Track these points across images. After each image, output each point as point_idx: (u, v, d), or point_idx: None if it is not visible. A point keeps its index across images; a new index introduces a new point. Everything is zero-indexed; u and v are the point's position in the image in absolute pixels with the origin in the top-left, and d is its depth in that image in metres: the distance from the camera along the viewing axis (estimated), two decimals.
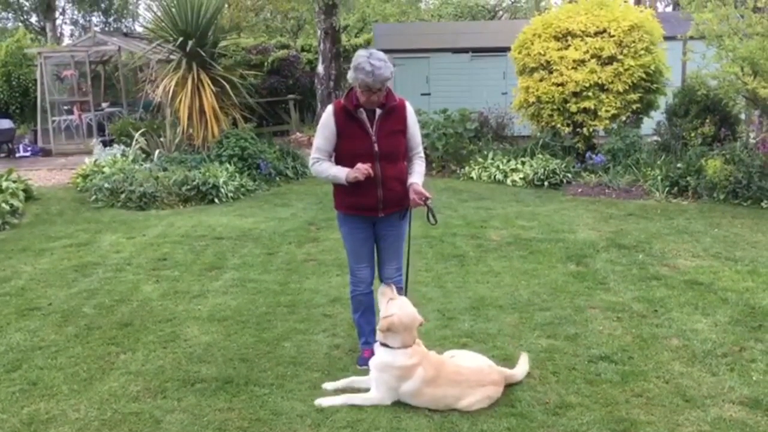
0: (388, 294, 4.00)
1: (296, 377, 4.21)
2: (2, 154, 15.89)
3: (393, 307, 3.90)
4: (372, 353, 4.06)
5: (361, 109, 4.10)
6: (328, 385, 4.07)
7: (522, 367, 4.11)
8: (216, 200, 10.14)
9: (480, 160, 11.91)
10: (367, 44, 20.26)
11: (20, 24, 33.44)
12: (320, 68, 18.59)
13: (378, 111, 4.11)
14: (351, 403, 3.84)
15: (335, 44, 18.42)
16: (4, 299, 5.80)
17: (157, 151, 11.96)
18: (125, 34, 20.98)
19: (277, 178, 11.84)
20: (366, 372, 4.03)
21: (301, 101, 18.97)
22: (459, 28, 22.46)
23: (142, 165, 11.32)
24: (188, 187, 10.13)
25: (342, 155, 4.20)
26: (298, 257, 6.98)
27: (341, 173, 4.11)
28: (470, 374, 3.87)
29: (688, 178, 9.63)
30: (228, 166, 11.14)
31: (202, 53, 12.20)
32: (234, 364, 4.41)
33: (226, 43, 14.17)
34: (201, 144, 12.24)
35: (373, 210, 4.23)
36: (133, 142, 12.36)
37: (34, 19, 34.29)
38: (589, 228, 7.87)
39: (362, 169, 4.03)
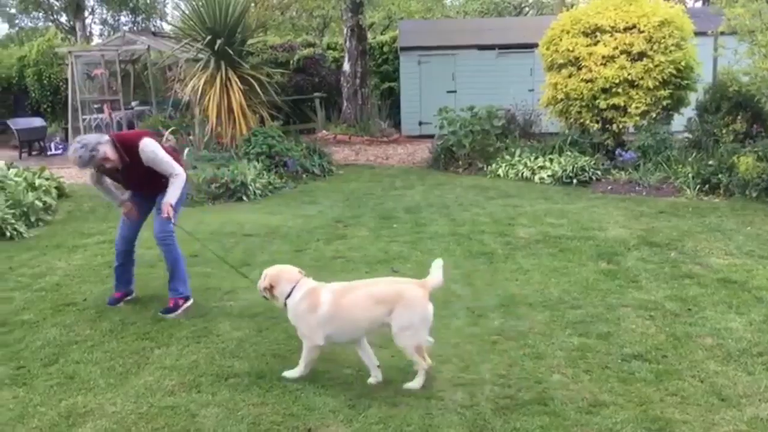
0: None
1: (327, 373, 4.23)
2: (34, 152, 16.18)
3: (264, 274, 4.31)
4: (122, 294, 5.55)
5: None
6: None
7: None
8: (244, 197, 10.22)
9: (507, 157, 11.86)
10: (393, 41, 20.23)
11: (50, 23, 33.92)
12: (346, 66, 18.64)
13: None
14: (304, 364, 4.14)
15: (361, 42, 18.45)
16: (40, 294, 5.91)
17: (186, 149, 12.08)
18: (154, 33, 21.18)
19: (304, 176, 11.91)
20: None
21: (327, 99, 19.01)
22: (485, 24, 22.37)
23: None
24: (217, 184, 10.23)
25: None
26: (326, 254, 7.01)
27: (117, 199, 5.59)
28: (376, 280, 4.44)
29: (720, 176, 9.49)
30: (256, 163, 11.22)
31: (230, 52, 12.29)
32: (266, 359, 4.45)
33: (253, 41, 14.28)
34: (229, 142, 12.34)
35: None
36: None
37: (63, 18, 34.72)
38: (619, 226, 7.80)
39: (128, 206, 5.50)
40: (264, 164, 11.39)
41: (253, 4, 14.56)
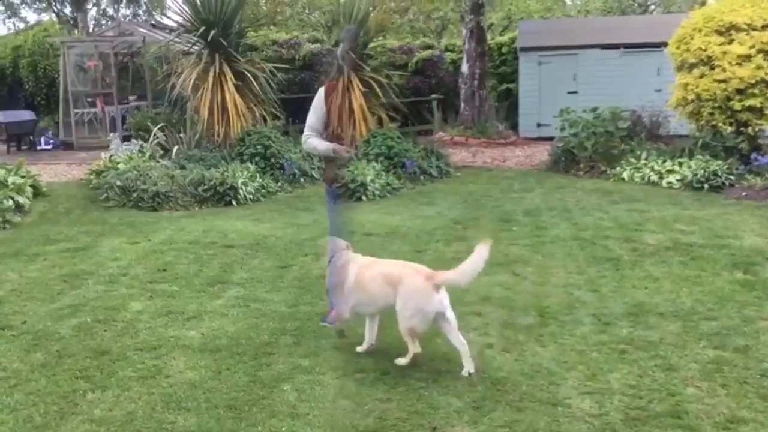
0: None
1: (450, 373, 4.24)
2: (24, 147, 15.65)
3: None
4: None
5: None
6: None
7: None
8: (363, 197, 10.29)
9: (632, 160, 11.45)
10: (512, 42, 19.99)
11: (53, 15, 33.31)
12: (464, 67, 18.57)
13: None
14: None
15: (480, 43, 18.33)
16: None
17: (175, 148, 11.57)
18: (153, 25, 20.47)
19: (422, 177, 11.98)
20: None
21: (444, 101, 19.03)
22: (608, 23, 21.68)
23: (158, 162, 10.87)
24: (204, 187, 9.85)
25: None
26: (446, 255, 6.90)
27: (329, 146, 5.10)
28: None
29: None
30: (375, 164, 11.33)
31: (225, 44, 11.75)
32: (390, 357, 4.42)
33: (373, 45, 14.45)
34: (222, 141, 11.75)
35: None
36: (151, 138, 11.91)
37: (68, 10, 33.68)
38: (756, 234, 7.35)
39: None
40: (383, 165, 11.54)
41: (372, 8, 14.72)
